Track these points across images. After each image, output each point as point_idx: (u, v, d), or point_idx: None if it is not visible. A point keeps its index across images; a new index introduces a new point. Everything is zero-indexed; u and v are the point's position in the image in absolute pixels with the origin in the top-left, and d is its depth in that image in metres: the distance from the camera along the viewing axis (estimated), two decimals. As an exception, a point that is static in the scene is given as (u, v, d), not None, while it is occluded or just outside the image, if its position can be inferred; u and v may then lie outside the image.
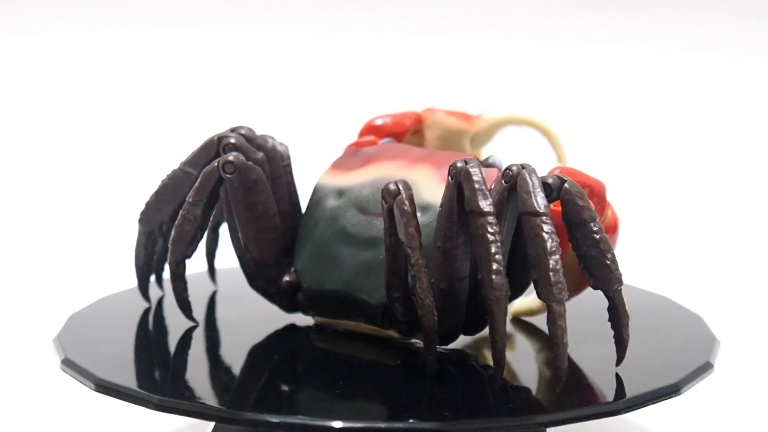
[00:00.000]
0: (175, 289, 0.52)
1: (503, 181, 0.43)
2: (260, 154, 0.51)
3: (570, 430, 0.46)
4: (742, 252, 0.91)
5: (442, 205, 0.44)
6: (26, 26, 1.07)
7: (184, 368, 0.47)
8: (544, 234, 0.41)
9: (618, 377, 0.44)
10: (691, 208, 0.99)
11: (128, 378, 0.44)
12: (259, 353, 0.50)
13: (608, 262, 0.43)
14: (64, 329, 0.50)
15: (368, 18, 1.09)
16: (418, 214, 0.47)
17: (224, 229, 0.58)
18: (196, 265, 0.58)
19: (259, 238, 0.50)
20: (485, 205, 0.42)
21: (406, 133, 0.58)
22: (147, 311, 0.55)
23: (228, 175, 0.49)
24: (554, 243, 0.41)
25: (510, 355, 0.49)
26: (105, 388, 0.43)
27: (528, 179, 0.42)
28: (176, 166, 0.53)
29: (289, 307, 0.52)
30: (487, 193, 0.42)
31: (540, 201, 0.42)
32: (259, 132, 0.54)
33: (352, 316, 0.49)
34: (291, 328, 0.53)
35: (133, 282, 0.56)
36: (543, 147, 0.59)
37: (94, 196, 0.97)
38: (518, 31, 1.09)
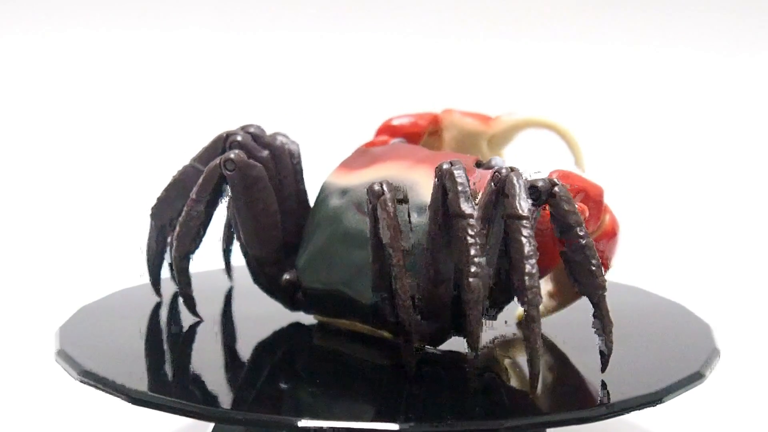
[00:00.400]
0: (179, 284, 0.52)
1: (492, 184, 0.43)
2: (265, 153, 0.52)
3: (570, 431, 0.46)
4: (731, 247, 0.91)
5: (429, 207, 0.44)
6: (54, 24, 1.09)
7: (185, 368, 0.48)
8: (522, 238, 0.41)
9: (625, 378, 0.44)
10: (697, 208, 0.98)
11: (133, 379, 0.44)
12: (261, 351, 0.51)
13: (593, 268, 0.43)
14: (69, 321, 0.51)
15: (391, 18, 1.10)
16: (415, 215, 0.47)
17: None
18: (214, 261, 0.59)
19: (259, 236, 0.51)
20: (467, 207, 0.42)
21: (421, 133, 0.57)
22: (156, 307, 0.55)
23: (228, 173, 0.49)
24: (532, 247, 0.41)
25: (513, 359, 0.48)
26: (98, 383, 0.43)
27: (514, 182, 0.42)
28: (187, 162, 0.54)
29: (290, 305, 0.52)
30: (470, 195, 0.42)
31: (522, 204, 0.41)
32: (275, 130, 0.54)
33: (348, 315, 0.49)
34: (296, 325, 0.53)
35: (114, 286, 0.57)
36: (561, 150, 0.58)
37: (112, 192, 0.98)
38: (537, 33, 1.09)
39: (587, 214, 0.46)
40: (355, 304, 0.48)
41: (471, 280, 0.40)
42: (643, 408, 0.42)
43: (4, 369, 0.64)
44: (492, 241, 0.43)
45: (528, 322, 0.40)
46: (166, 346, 0.50)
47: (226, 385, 0.45)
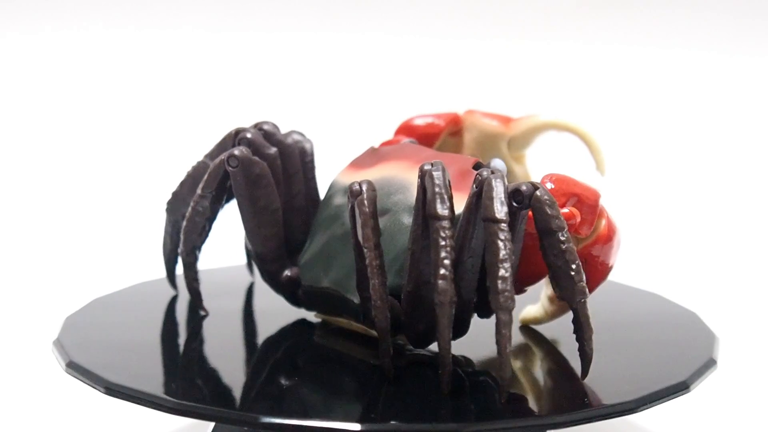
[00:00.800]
0: (186, 278, 0.53)
1: (474, 186, 0.43)
2: (273, 150, 0.52)
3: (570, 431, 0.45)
4: (733, 248, 0.90)
5: (413, 208, 0.44)
6: (71, 22, 1.10)
7: (186, 367, 0.48)
8: (498, 241, 0.40)
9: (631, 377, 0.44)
10: (693, 207, 0.97)
11: (135, 380, 0.44)
12: (265, 348, 0.51)
13: (572, 273, 0.42)
14: (62, 331, 0.50)
15: (414, 17, 1.09)
16: (407, 216, 0.47)
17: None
18: (238, 257, 0.60)
19: (260, 232, 0.51)
20: (441, 209, 0.41)
21: (438, 134, 0.57)
22: (172, 301, 0.56)
23: (231, 169, 0.50)
24: (507, 251, 0.40)
25: (514, 362, 0.48)
26: (113, 390, 0.43)
27: (493, 185, 0.42)
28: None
29: (292, 301, 0.53)
30: (446, 197, 0.42)
31: (499, 208, 0.41)
32: (292, 128, 0.55)
33: (343, 314, 0.49)
34: (301, 322, 0.53)
35: (137, 279, 0.58)
36: (582, 154, 0.57)
37: (122, 194, 0.99)
38: (552, 34, 1.08)
39: (578, 219, 0.45)
40: (347, 304, 0.48)
41: (440, 282, 0.40)
42: (615, 417, 0.41)
43: (7, 365, 0.65)
44: (475, 244, 0.43)
45: (498, 327, 0.40)
46: (169, 343, 0.51)
47: (226, 385, 0.45)
